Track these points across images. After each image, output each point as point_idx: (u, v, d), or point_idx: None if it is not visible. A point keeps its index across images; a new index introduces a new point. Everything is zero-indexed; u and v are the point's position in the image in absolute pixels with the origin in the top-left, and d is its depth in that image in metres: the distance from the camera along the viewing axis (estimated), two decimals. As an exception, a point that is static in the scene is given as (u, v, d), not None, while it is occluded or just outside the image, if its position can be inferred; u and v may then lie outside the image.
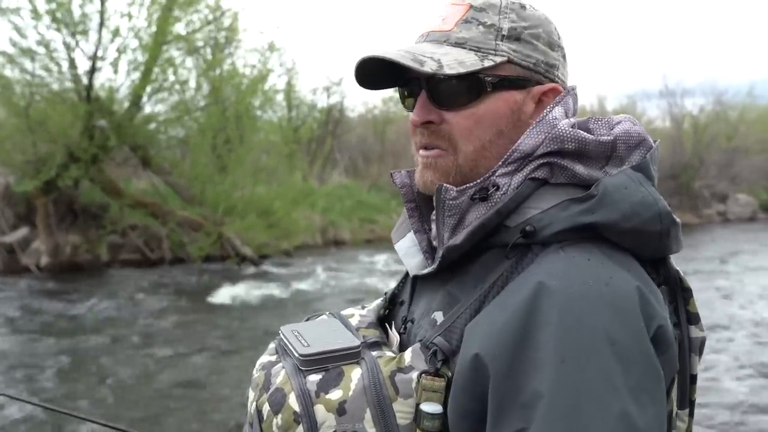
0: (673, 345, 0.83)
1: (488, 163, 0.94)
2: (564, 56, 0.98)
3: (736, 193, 27.62)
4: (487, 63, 0.91)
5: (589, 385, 0.73)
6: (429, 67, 0.89)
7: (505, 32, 0.93)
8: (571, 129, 0.90)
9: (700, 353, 0.96)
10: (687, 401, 0.95)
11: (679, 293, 0.93)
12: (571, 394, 0.73)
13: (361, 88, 1.01)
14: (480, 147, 0.94)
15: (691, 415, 0.97)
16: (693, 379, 0.95)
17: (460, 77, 0.91)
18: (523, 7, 0.95)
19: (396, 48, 0.95)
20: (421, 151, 0.98)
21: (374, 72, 0.98)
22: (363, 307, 1.11)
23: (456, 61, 0.91)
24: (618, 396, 0.73)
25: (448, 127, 0.94)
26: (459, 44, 0.93)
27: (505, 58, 0.92)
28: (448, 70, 0.90)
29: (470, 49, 0.93)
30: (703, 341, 0.95)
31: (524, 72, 0.94)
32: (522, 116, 0.94)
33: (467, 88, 0.93)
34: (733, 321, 9.15)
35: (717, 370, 6.88)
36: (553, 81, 0.96)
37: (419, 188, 1.01)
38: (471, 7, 0.95)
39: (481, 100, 0.93)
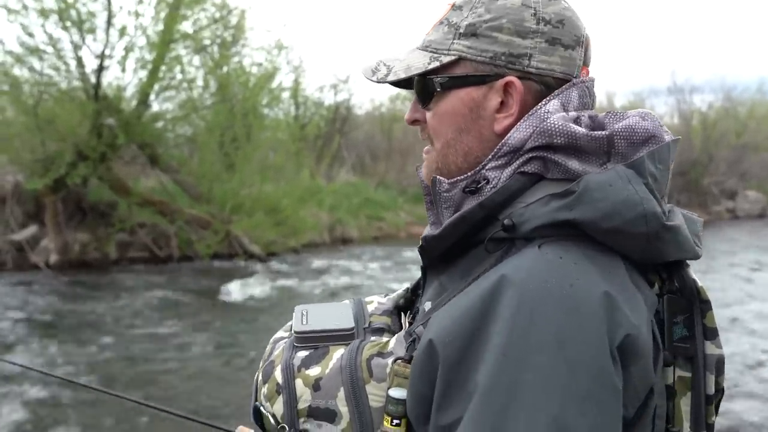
0: (646, 356, 0.78)
1: (455, 159, 0.96)
2: (551, 40, 0.91)
3: (746, 190, 27.48)
4: (433, 65, 0.94)
5: (525, 384, 0.71)
6: (377, 76, 0.98)
7: (462, 30, 0.93)
8: (561, 123, 0.87)
9: (719, 372, 0.90)
10: (703, 424, 0.88)
11: (696, 305, 0.88)
12: (505, 390, 0.72)
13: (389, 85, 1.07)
14: (445, 144, 0.96)
15: None
16: (709, 399, 0.89)
17: (421, 79, 0.95)
18: None
19: (381, 57, 1.02)
20: (425, 148, 1.03)
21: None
22: (385, 295, 1.13)
23: (404, 67, 0.96)
24: (555, 400, 0.70)
25: (427, 126, 0.99)
26: (425, 47, 0.97)
27: (455, 57, 0.93)
28: (391, 77, 0.96)
29: (429, 51, 0.96)
30: (720, 359, 0.90)
31: (481, 67, 0.92)
32: (483, 112, 0.93)
33: (426, 90, 0.96)
34: (742, 318, 9.10)
35: (729, 371, 6.84)
36: (521, 71, 0.91)
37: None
38: (452, 6, 0.96)
39: (438, 100, 0.96)
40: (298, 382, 0.93)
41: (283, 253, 14.98)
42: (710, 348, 0.89)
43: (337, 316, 1.03)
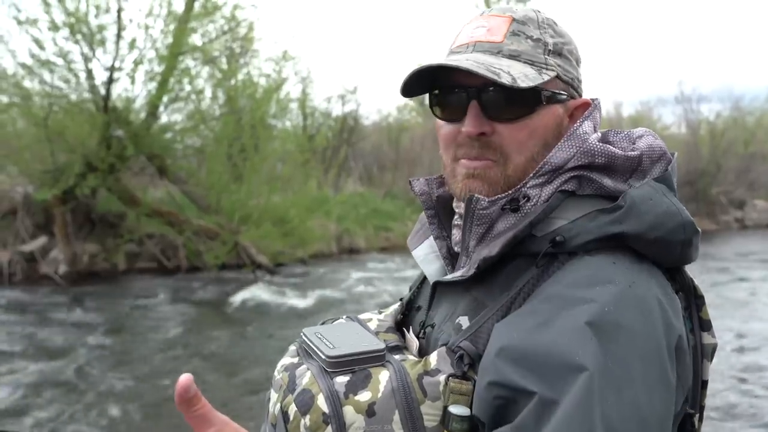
0: (689, 354, 0.86)
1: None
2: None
3: (754, 200, 27.37)
4: (545, 77, 0.94)
5: (621, 372, 0.76)
6: (505, 80, 0.90)
7: (551, 47, 0.97)
8: (600, 144, 0.94)
9: (711, 359, 0.98)
10: (698, 406, 0.96)
11: (692, 300, 0.96)
12: (616, 372, 0.76)
13: (402, 96, 1.04)
14: (530, 158, 0.96)
15: (700, 419, 0.98)
16: (704, 384, 0.96)
17: (517, 90, 0.92)
18: (555, 23, 0.99)
19: (459, 57, 0.96)
20: (465, 161, 0.98)
21: (417, 79, 0.99)
22: (380, 312, 1.12)
23: (523, 74, 0.92)
24: (634, 386, 0.76)
25: (499, 139, 0.96)
26: (513, 56, 0.95)
27: (555, 74, 0.96)
28: (521, 83, 0.91)
29: (525, 62, 0.95)
30: (714, 347, 0.97)
31: (565, 87, 0.98)
32: (562, 129, 0.98)
33: (524, 101, 0.94)
34: (749, 328, 9.05)
35: (731, 377, 6.80)
36: (581, 94, 1.01)
37: (459, 197, 1.01)
38: (513, 19, 0.97)
39: (536, 113, 0.95)
40: (348, 409, 0.89)
41: (290, 264, 15.01)
42: (706, 338, 0.97)
43: (359, 337, 1.00)
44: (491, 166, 0.96)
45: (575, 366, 0.76)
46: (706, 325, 0.96)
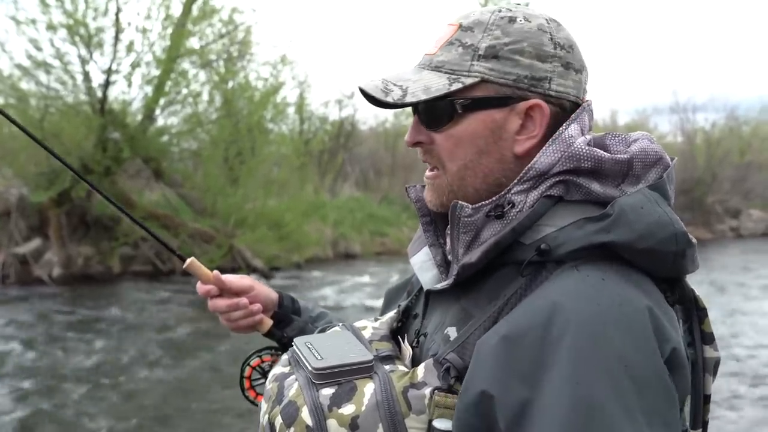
0: (687, 366, 0.83)
1: (473, 182, 0.95)
2: (566, 65, 0.94)
3: (750, 209, 27.45)
4: (455, 86, 0.92)
5: (603, 407, 0.73)
6: (392, 97, 0.93)
7: (481, 51, 0.92)
8: (587, 147, 0.90)
9: (714, 373, 0.95)
10: (700, 421, 0.93)
11: (693, 313, 0.93)
12: (585, 414, 0.73)
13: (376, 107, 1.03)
14: (462, 166, 0.95)
15: None
16: (706, 399, 0.94)
17: (437, 100, 0.93)
18: (512, 20, 0.93)
19: (383, 76, 0.98)
20: (426, 172, 1.00)
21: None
22: (376, 320, 1.11)
23: (422, 88, 0.93)
24: (630, 418, 0.73)
25: (436, 148, 0.97)
26: (437, 68, 0.95)
27: (478, 79, 0.92)
28: (410, 98, 0.92)
29: (444, 72, 0.93)
30: (717, 361, 0.95)
31: (503, 90, 0.92)
32: (504, 134, 0.93)
33: (441, 112, 0.94)
34: (745, 338, 9.06)
35: (729, 387, 6.80)
36: (543, 94, 0.93)
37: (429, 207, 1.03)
38: (460, 27, 0.95)
39: (456, 122, 0.94)
40: (332, 423, 0.88)
41: (286, 268, 14.99)
42: (708, 351, 0.94)
43: (349, 347, 0.98)
44: (439, 175, 0.98)
45: (547, 407, 0.75)
46: (708, 338, 0.94)
